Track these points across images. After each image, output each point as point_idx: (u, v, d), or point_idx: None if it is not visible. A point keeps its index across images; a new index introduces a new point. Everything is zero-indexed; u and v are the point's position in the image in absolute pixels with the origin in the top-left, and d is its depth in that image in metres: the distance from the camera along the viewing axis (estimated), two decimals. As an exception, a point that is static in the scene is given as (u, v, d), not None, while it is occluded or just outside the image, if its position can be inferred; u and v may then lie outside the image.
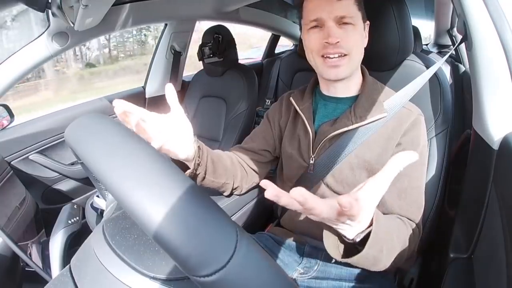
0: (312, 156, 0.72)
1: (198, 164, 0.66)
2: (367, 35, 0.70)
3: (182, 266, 0.24)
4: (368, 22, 0.70)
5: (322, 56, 0.65)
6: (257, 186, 0.87)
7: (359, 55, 0.67)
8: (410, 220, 0.64)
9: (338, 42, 0.63)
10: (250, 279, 0.25)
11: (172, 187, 0.26)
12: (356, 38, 0.65)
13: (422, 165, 0.67)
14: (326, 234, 0.51)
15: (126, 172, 0.28)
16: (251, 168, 0.82)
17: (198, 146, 0.65)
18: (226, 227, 0.25)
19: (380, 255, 0.51)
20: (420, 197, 0.66)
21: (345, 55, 0.65)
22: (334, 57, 0.64)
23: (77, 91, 6.16)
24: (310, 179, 0.73)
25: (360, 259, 0.48)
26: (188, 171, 0.65)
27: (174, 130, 0.58)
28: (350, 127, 0.67)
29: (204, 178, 0.69)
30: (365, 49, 0.69)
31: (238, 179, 0.78)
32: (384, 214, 0.66)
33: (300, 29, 0.72)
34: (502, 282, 0.44)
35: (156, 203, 0.25)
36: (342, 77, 0.67)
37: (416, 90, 0.69)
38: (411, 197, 0.65)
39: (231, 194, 0.80)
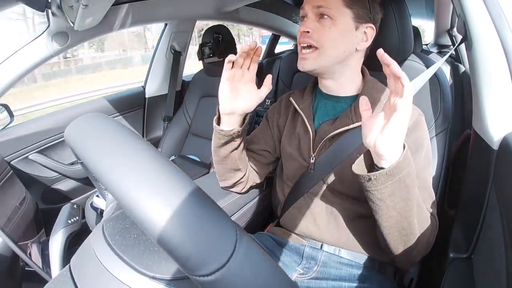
0: (313, 156, 0.72)
1: (241, 132, 0.70)
2: (369, 38, 0.68)
3: (182, 266, 0.24)
4: (371, 25, 0.67)
5: (300, 44, 0.68)
6: (257, 186, 0.87)
7: (334, 51, 0.66)
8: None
9: (308, 32, 0.65)
10: (250, 279, 0.25)
11: (172, 187, 0.26)
12: (331, 33, 0.65)
13: (429, 165, 0.67)
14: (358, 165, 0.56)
15: (126, 172, 0.28)
16: (253, 169, 0.82)
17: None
18: (225, 227, 0.25)
19: (412, 184, 0.54)
20: (430, 196, 0.66)
21: (316, 48, 0.66)
22: (304, 48, 0.67)
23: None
24: (310, 179, 0.73)
25: (394, 172, 0.51)
26: (240, 128, 0.69)
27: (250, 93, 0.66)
28: (351, 126, 0.67)
29: (236, 148, 0.72)
30: None
31: (247, 173, 0.80)
32: None
33: None
34: (502, 282, 0.44)
35: (155, 202, 0.25)
36: (307, 69, 0.68)
37: (416, 90, 0.69)
38: (422, 196, 0.64)
39: (233, 186, 0.81)
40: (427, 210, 0.63)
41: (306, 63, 0.67)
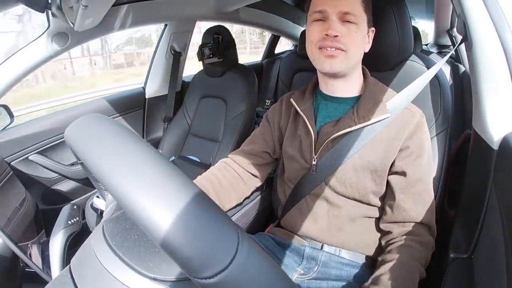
0: (315, 157, 0.72)
1: None
2: (370, 41, 0.70)
3: (184, 268, 0.24)
4: (373, 29, 0.70)
5: (320, 48, 0.66)
6: (258, 188, 0.87)
7: (356, 55, 0.67)
8: (425, 224, 0.65)
9: (337, 36, 0.63)
10: (252, 281, 0.25)
11: (173, 189, 0.26)
12: (357, 38, 0.65)
13: (430, 167, 0.68)
14: None
15: (127, 173, 0.28)
16: (251, 173, 0.82)
17: None
18: (227, 229, 0.25)
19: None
20: (431, 199, 0.67)
21: (342, 50, 0.65)
22: (331, 49, 0.65)
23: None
24: (312, 180, 0.72)
25: None
26: None
27: None
28: (354, 128, 0.67)
29: None
30: None
31: (239, 197, 0.81)
32: (403, 222, 0.66)
33: (306, 22, 0.72)
34: (502, 282, 0.44)
35: (157, 204, 0.25)
36: (336, 70, 0.67)
37: (418, 91, 0.70)
38: (424, 200, 0.66)
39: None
40: (418, 253, 0.63)
41: (335, 62, 0.65)
